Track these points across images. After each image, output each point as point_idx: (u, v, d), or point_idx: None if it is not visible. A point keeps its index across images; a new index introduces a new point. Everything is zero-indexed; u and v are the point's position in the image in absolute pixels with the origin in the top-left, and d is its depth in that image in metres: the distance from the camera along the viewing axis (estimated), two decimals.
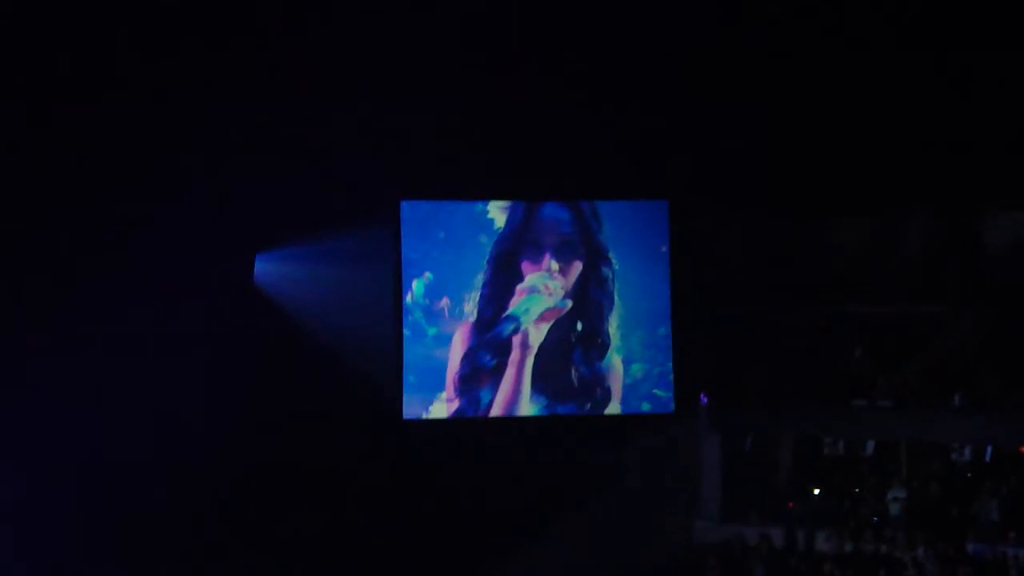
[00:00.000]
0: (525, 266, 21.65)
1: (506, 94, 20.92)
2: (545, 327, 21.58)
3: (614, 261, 21.84)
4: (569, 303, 21.62)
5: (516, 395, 21.59)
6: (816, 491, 21.88)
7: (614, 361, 21.81)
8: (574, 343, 21.72)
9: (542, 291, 21.60)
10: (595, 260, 21.82)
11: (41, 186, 19.46)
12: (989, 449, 21.07)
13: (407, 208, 21.59)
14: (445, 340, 21.45)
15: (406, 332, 21.42)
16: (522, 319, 21.55)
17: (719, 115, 21.42)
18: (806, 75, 21.36)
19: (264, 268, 21.38)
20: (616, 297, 21.84)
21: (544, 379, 21.66)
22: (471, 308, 21.54)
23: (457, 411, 21.47)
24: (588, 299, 21.77)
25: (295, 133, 20.32)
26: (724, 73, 21.35)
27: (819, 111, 21.45)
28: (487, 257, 21.60)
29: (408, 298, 21.41)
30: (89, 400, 19.51)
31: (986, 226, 22.13)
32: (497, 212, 21.76)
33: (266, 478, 20.52)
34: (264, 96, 20.07)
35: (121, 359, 19.66)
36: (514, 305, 21.57)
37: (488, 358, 21.56)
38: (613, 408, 21.80)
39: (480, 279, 21.55)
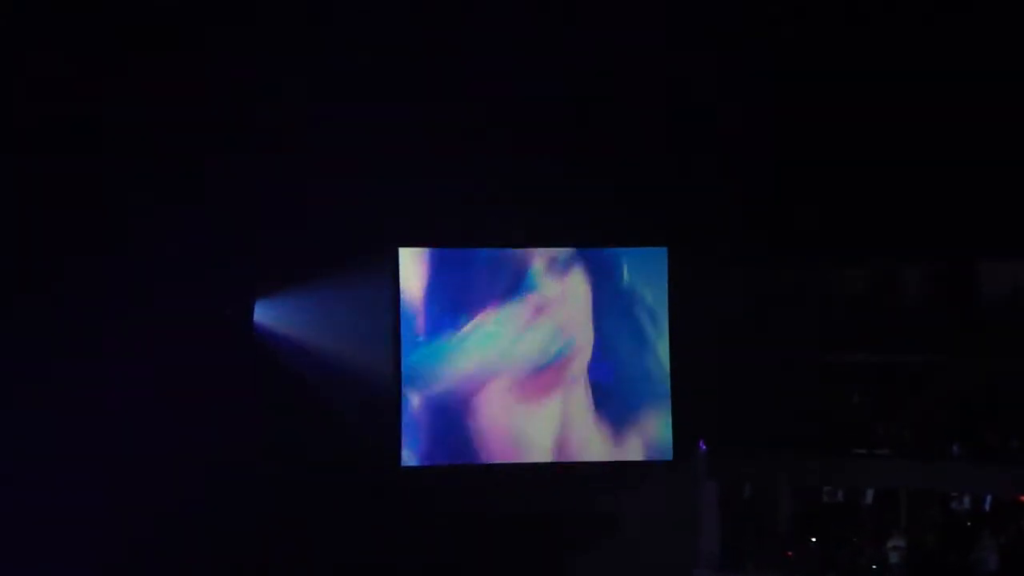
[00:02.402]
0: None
1: (504, 142, 21.08)
2: None
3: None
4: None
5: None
6: (814, 540, 21.80)
7: None
8: None
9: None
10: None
11: (40, 235, 19.54)
12: (988, 498, 21.00)
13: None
14: None
15: None
16: None
17: (718, 164, 21.59)
18: (805, 126, 21.51)
19: (264, 314, 21.41)
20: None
21: None
22: None
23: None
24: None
25: (294, 181, 20.47)
26: (722, 122, 21.50)
27: (817, 162, 21.60)
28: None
29: None
30: (84, 448, 19.54)
31: (983, 275, 22.11)
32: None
33: (263, 525, 20.45)
34: (264, 144, 20.24)
35: (119, 405, 19.69)
36: None
37: None
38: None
39: None
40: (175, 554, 19.84)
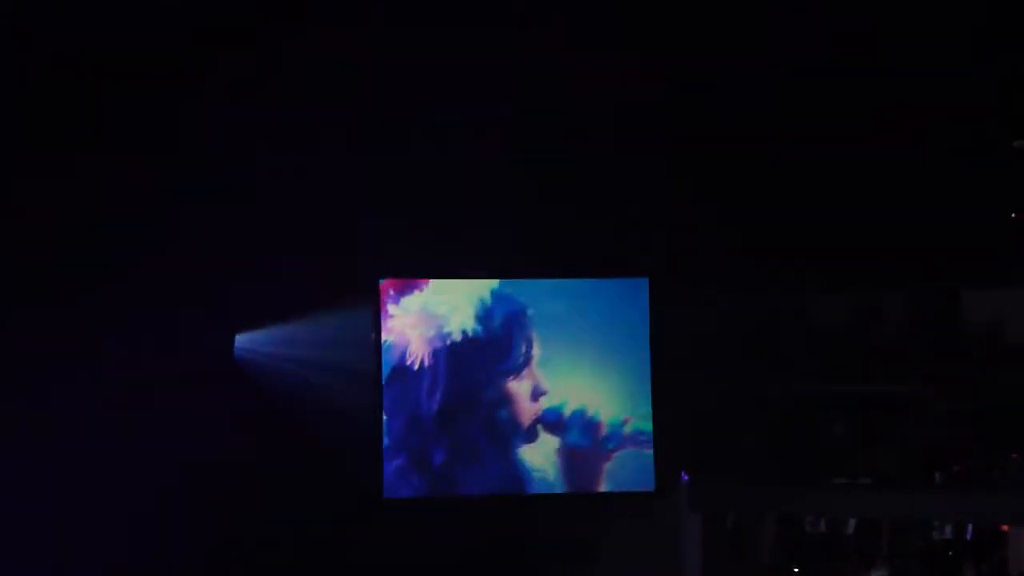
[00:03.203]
0: None
1: (485, 172, 21.09)
2: None
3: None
4: None
5: None
6: (797, 570, 21.74)
7: None
8: None
9: None
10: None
11: (15, 260, 19.54)
12: (970, 527, 20.93)
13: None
14: None
15: None
16: None
17: (699, 192, 21.60)
18: (787, 156, 21.54)
19: (243, 346, 21.39)
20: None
21: None
22: None
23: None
24: None
25: (273, 211, 20.48)
26: (704, 150, 21.52)
27: (799, 191, 21.61)
28: None
29: None
30: (61, 477, 19.51)
31: (966, 304, 22.11)
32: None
33: (243, 557, 20.38)
34: (243, 171, 20.24)
35: (96, 435, 19.65)
36: None
37: None
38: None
39: None
40: None
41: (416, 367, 21.51)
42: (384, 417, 21.30)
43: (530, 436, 21.72)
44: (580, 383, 21.80)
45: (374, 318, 21.41)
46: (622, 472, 21.72)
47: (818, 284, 22.41)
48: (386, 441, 21.26)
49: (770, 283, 22.17)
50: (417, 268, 21.77)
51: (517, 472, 21.58)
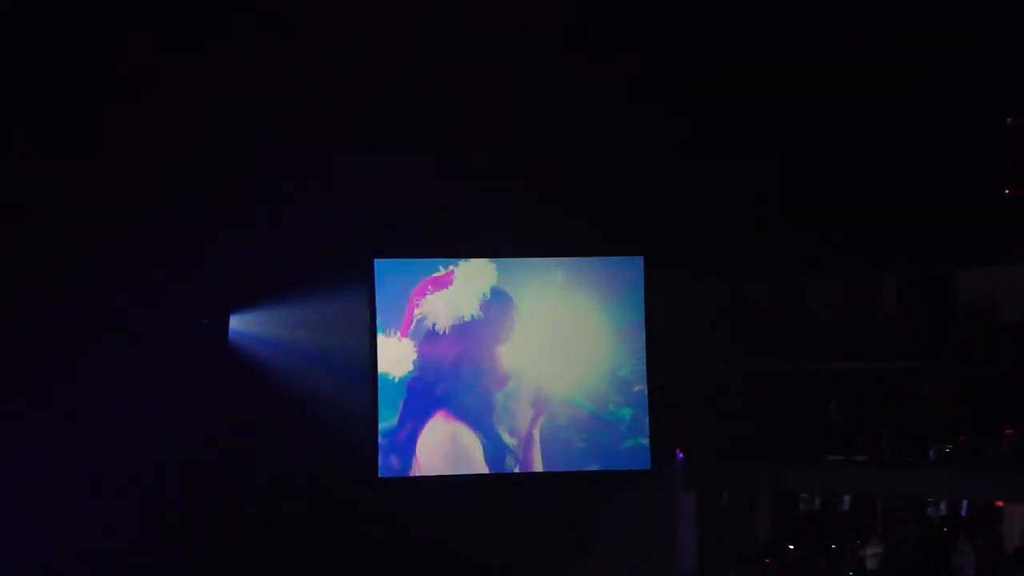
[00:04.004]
0: None
1: (480, 152, 21.14)
2: None
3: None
4: None
5: None
6: (792, 547, 21.80)
7: None
8: None
9: None
10: None
11: (13, 244, 19.57)
12: (965, 503, 20.99)
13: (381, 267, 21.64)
14: None
15: None
16: None
17: (695, 171, 21.64)
18: (781, 136, 21.58)
19: (239, 327, 21.41)
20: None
21: None
22: None
23: None
24: None
25: (269, 191, 20.50)
26: (701, 130, 21.54)
27: (793, 172, 21.64)
28: None
29: None
30: (60, 462, 19.55)
31: (959, 283, 22.15)
32: None
33: (236, 537, 20.42)
34: (238, 153, 20.26)
35: (92, 419, 19.68)
36: None
37: None
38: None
39: None
40: (141, 564, 19.76)
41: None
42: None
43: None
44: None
45: (368, 299, 21.46)
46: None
47: (813, 264, 22.45)
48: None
49: (765, 263, 22.20)
50: (411, 248, 21.81)
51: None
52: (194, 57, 19.85)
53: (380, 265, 21.54)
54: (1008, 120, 21.26)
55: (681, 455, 22.22)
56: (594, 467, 21.79)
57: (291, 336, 21.36)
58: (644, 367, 21.96)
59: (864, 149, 21.35)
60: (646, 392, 21.93)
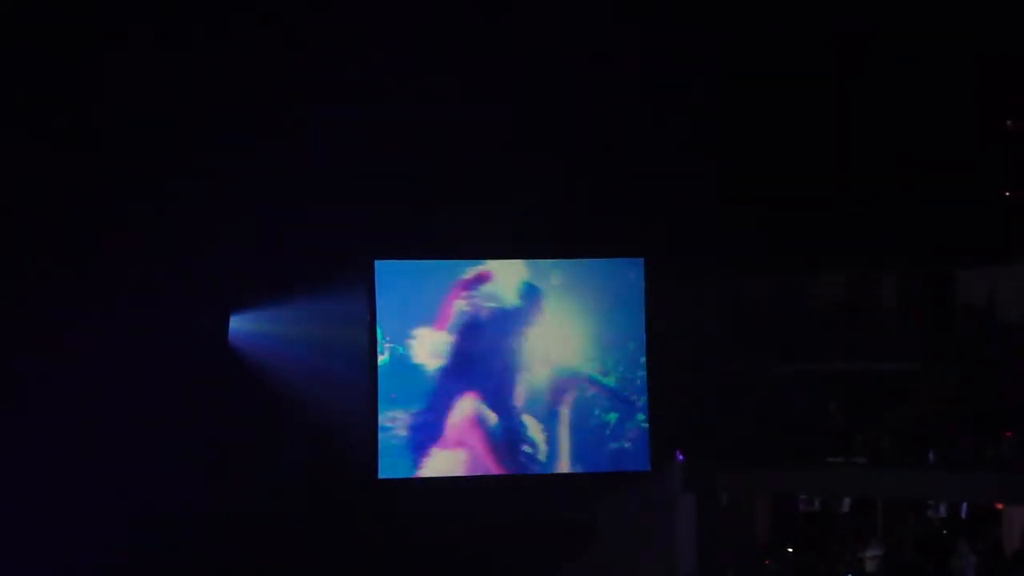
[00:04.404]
0: None
1: (480, 153, 21.09)
2: None
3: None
4: None
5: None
6: (791, 549, 21.81)
7: None
8: None
9: None
10: None
11: (12, 240, 19.53)
12: (964, 505, 21.03)
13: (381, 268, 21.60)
14: None
15: None
16: None
17: (694, 172, 21.61)
18: (781, 136, 21.57)
19: (239, 327, 21.36)
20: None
21: None
22: None
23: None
24: None
25: (269, 190, 20.45)
26: (699, 132, 21.52)
27: (793, 171, 21.63)
28: None
29: None
30: (58, 460, 19.51)
31: (959, 283, 22.17)
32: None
33: (234, 538, 20.37)
34: (239, 153, 20.20)
35: (92, 419, 19.64)
36: None
37: None
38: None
39: None
40: (141, 564, 19.73)
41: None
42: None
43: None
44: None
45: (368, 298, 21.42)
46: None
47: (812, 264, 22.46)
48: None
49: (764, 263, 22.20)
50: (411, 249, 21.76)
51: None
52: (194, 56, 19.78)
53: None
54: (1008, 122, 21.27)
55: (680, 456, 22.21)
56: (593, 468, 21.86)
57: (291, 337, 21.30)
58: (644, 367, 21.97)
59: (864, 149, 21.38)
60: (646, 393, 21.90)
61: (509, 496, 21.45)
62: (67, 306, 19.80)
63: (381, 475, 21.34)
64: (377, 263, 21.49)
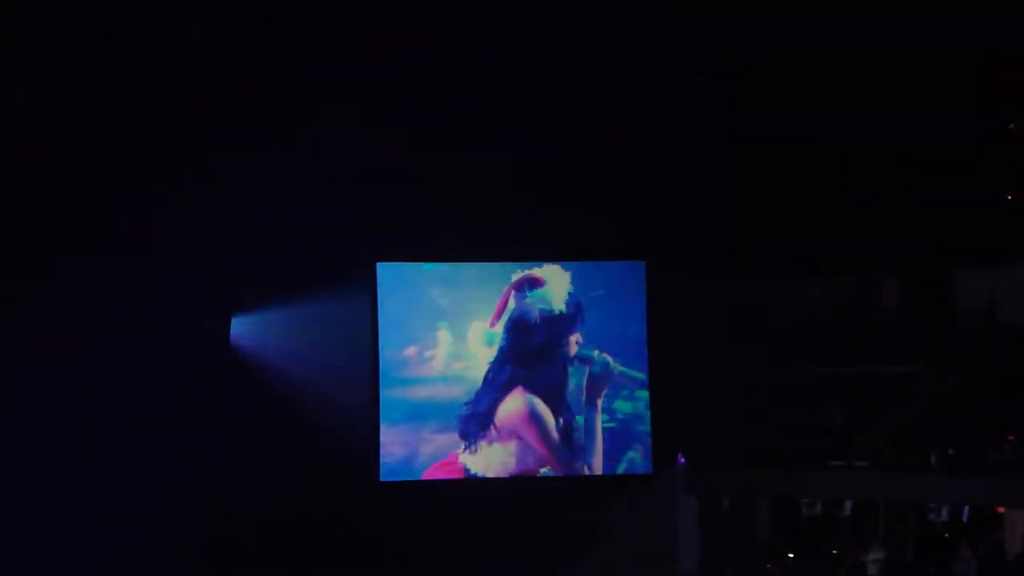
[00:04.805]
0: None
1: (483, 158, 21.16)
2: None
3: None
4: None
5: None
6: (791, 555, 21.75)
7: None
8: None
9: None
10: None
11: (18, 245, 19.60)
12: (966, 509, 20.96)
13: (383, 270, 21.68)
14: None
15: None
16: None
17: (696, 177, 21.66)
18: (784, 140, 21.59)
19: (241, 329, 21.41)
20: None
21: None
22: None
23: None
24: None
25: (273, 193, 20.52)
26: (701, 137, 21.57)
27: (795, 176, 21.66)
28: None
29: None
30: (63, 464, 19.58)
31: (959, 286, 22.16)
32: None
33: (238, 540, 20.41)
34: (242, 157, 20.28)
35: (92, 419, 19.71)
36: None
37: None
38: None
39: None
40: (141, 564, 19.76)
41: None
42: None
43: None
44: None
45: (371, 301, 21.49)
46: None
47: (814, 268, 22.46)
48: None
49: (766, 267, 22.21)
50: (414, 251, 21.83)
51: None
52: (197, 58, 19.87)
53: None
54: (1011, 125, 21.27)
55: (682, 459, 22.20)
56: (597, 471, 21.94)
57: (293, 338, 21.35)
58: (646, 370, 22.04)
59: (865, 152, 21.40)
60: (648, 397, 21.95)
61: (511, 499, 21.48)
62: (68, 306, 19.94)
63: (385, 478, 21.44)
64: (379, 265, 21.56)
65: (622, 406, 22.17)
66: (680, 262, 21.96)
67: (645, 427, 22.15)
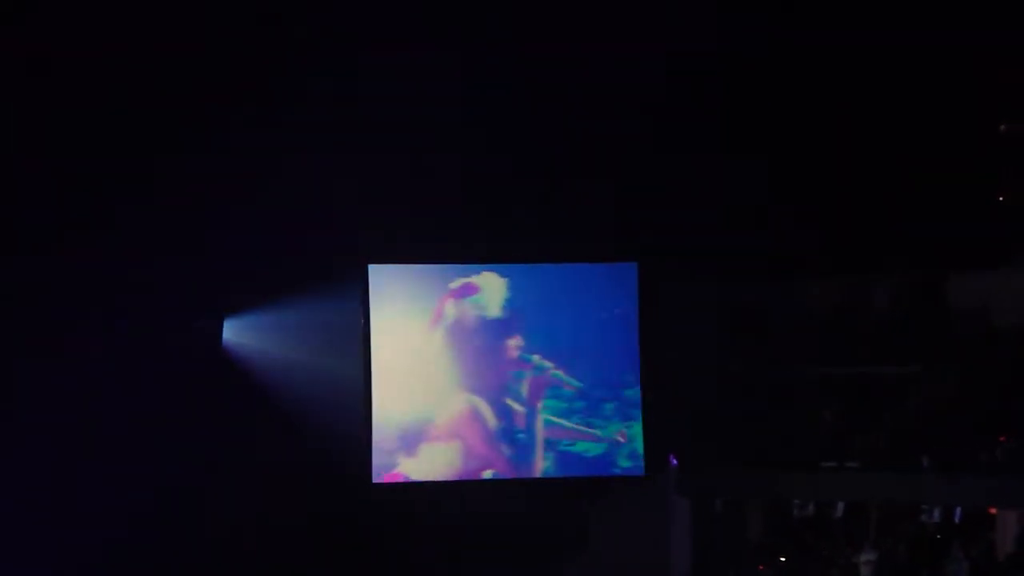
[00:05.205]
0: None
1: (474, 158, 21.13)
2: None
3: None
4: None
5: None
6: (783, 559, 21.74)
7: None
8: None
9: None
10: None
11: (8, 243, 19.61)
12: (958, 510, 20.98)
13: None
14: None
15: None
16: None
17: (689, 176, 21.61)
18: (777, 142, 21.56)
19: (233, 331, 21.41)
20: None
21: None
22: None
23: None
24: None
25: (264, 193, 20.49)
26: (693, 138, 21.52)
27: (788, 177, 21.64)
28: None
29: None
30: (55, 464, 19.59)
31: (954, 288, 22.14)
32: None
33: (230, 542, 20.42)
34: (234, 158, 20.26)
35: (87, 421, 19.71)
36: None
37: None
38: None
39: None
40: (138, 563, 19.78)
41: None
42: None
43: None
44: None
45: (363, 303, 21.47)
46: None
47: (808, 268, 22.44)
48: None
49: (760, 268, 22.20)
50: (406, 253, 21.81)
51: None
52: (189, 57, 19.82)
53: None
54: (1002, 126, 21.24)
55: (674, 461, 22.20)
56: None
57: (285, 339, 21.36)
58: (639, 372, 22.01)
59: (861, 154, 21.37)
60: (639, 398, 21.93)
61: (503, 499, 21.49)
62: (64, 307, 19.93)
63: (377, 478, 21.42)
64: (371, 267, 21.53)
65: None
66: (674, 263, 21.86)
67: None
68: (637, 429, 21.99)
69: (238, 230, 20.48)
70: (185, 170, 20.19)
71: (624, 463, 21.99)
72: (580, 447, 21.97)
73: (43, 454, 19.59)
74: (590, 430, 22.02)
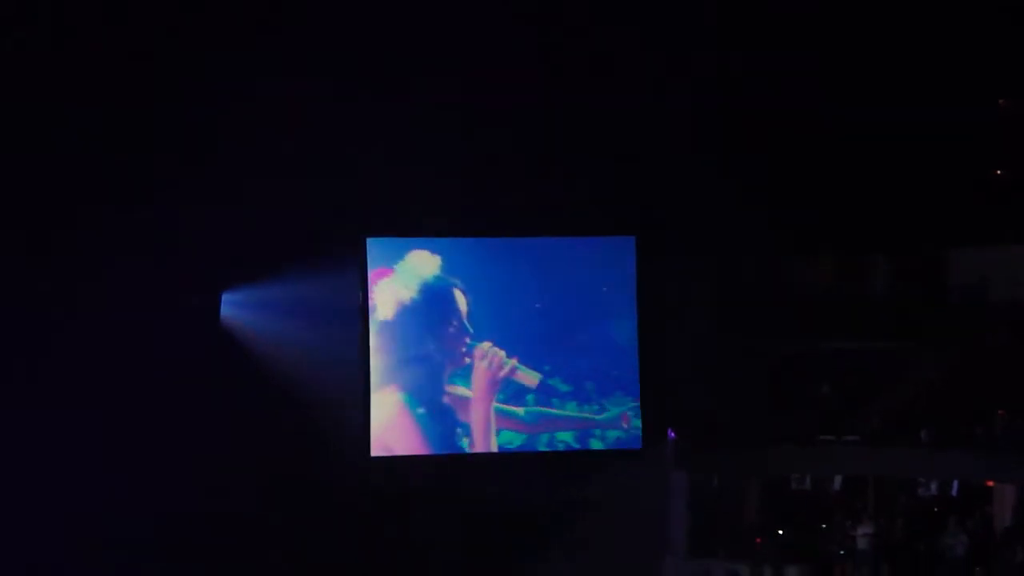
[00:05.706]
0: None
1: (473, 132, 21.07)
2: None
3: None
4: None
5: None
6: (781, 532, 21.78)
7: None
8: None
9: None
10: None
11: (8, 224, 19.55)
12: (955, 484, 21.08)
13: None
14: None
15: None
16: None
17: (689, 153, 21.61)
18: (774, 119, 21.58)
19: (230, 306, 21.34)
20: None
21: None
22: None
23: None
24: None
25: (262, 170, 20.43)
26: (692, 114, 21.53)
27: (786, 153, 21.67)
28: None
29: None
30: (57, 445, 19.52)
31: (951, 264, 22.22)
32: None
33: (230, 516, 20.35)
34: (231, 135, 20.19)
35: (86, 401, 19.61)
36: None
37: None
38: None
39: None
40: (133, 545, 19.68)
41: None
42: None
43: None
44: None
45: (360, 276, 21.41)
46: None
47: (805, 245, 22.48)
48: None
49: (757, 244, 22.22)
50: (402, 227, 21.77)
51: None
52: (184, 37, 19.74)
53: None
54: (1001, 101, 21.30)
55: (672, 434, 22.20)
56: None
57: (282, 314, 21.27)
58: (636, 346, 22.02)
59: (857, 131, 21.40)
60: (637, 372, 21.95)
61: (500, 474, 21.48)
62: (57, 284, 19.81)
63: (373, 453, 21.38)
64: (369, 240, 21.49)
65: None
66: (671, 238, 21.86)
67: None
68: (634, 404, 21.99)
69: (234, 206, 20.40)
70: (184, 148, 20.09)
71: (619, 436, 22.05)
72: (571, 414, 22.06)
73: (41, 437, 19.51)
74: (587, 405, 22.03)
